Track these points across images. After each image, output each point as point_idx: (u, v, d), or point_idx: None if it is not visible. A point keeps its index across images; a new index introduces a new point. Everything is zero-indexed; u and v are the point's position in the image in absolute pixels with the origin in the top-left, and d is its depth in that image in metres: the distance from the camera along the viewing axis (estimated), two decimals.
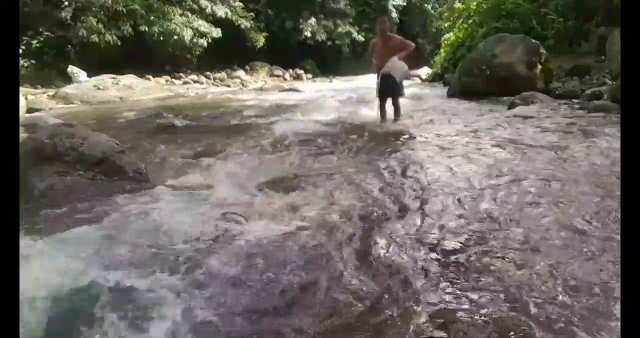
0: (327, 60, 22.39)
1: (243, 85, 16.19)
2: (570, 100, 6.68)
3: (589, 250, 1.90)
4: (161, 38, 15.01)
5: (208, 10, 16.09)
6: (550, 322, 1.43)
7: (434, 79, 13.85)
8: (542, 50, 8.00)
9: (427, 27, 25.43)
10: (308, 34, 20.69)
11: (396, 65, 5.18)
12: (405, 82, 5.74)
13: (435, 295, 1.62)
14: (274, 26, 20.10)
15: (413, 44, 5.43)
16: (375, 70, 5.67)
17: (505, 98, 7.14)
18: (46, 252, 1.84)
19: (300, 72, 20.56)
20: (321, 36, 21.26)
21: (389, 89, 5.46)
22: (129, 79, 11.88)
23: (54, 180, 2.78)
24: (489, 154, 3.64)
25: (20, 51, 12.68)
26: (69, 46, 14.26)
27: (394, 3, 24.01)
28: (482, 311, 1.50)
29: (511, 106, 6.42)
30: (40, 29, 13.67)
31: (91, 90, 10.67)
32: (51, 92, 10.74)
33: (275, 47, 19.43)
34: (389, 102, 5.64)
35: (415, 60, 5.72)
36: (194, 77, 16.39)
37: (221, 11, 16.42)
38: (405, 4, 24.95)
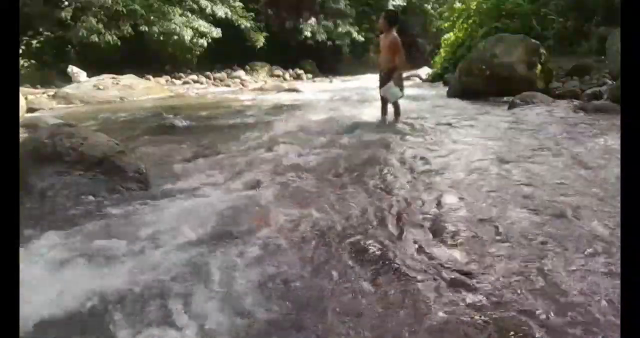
0: (327, 60, 22.33)
1: (243, 85, 16.16)
2: (570, 100, 6.67)
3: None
4: (161, 38, 15.00)
5: (208, 10, 16.07)
6: None
7: (434, 78, 13.83)
8: (542, 50, 7.98)
9: (427, 27, 25.38)
10: (308, 34, 20.64)
11: (389, 90, 5.37)
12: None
13: None
14: (274, 26, 20.07)
15: (402, 60, 5.40)
16: (377, 69, 5.71)
17: (505, 98, 7.14)
18: None
19: (300, 72, 20.51)
20: (321, 36, 21.21)
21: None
22: (129, 79, 11.86)
23: (54, 180, 2.77)
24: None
25: (20, 51, 12.69)
26: (69, 46, 14.26)
27: (394, 3, 23.97)
28: None
29: (511, 106, 6.45)
30: (40, 29, 13.68)
31: (91, 90, 10.65)
32: (51, 92, 10.71)
33: (275, 47, 19.40)
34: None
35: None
36: (194, 77, 16.37)
37: (221, 11, 16.40)
38: (405, 4, 24.91)
